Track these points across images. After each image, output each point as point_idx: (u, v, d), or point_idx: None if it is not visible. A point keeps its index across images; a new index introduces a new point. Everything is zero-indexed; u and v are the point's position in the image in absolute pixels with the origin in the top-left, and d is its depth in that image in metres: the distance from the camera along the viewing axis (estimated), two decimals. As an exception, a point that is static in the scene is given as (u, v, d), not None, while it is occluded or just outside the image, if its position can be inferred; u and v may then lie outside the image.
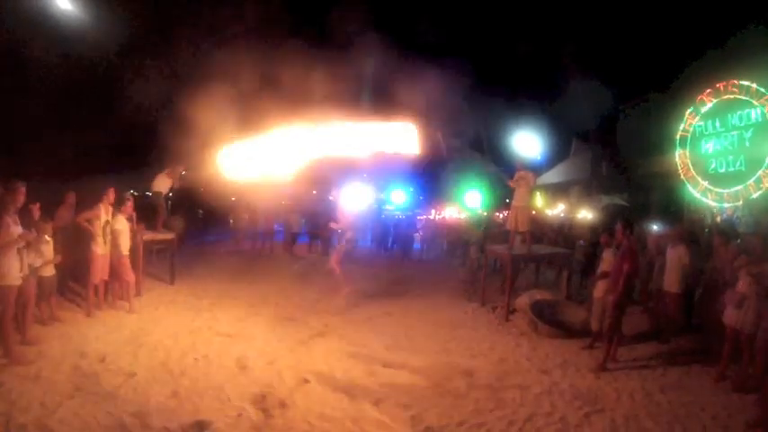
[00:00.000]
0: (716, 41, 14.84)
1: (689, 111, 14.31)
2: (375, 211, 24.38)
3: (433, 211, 27.68)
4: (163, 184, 10.50)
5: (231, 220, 24.66)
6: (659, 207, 17.13)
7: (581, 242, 11.46)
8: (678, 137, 14.60)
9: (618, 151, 21.03)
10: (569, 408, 4.97)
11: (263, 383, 5.23)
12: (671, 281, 7.32)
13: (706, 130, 13.84)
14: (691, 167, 14.22)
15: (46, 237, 6.42)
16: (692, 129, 14.26)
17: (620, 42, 21.06)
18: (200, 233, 21.03)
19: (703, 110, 13.87)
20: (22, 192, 5.37)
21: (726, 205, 13.00)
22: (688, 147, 14.35)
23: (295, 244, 18.09)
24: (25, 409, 4.18)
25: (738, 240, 7.78)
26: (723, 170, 13.22)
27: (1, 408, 4.14)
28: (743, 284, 5.67)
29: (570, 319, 8.13)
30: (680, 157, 14.55)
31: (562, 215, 20.88)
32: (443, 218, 25.03)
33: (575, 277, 10.53)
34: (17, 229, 5.29)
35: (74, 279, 8.43)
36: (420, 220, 25.87)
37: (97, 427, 4.03)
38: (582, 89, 20.65)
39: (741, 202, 12.37)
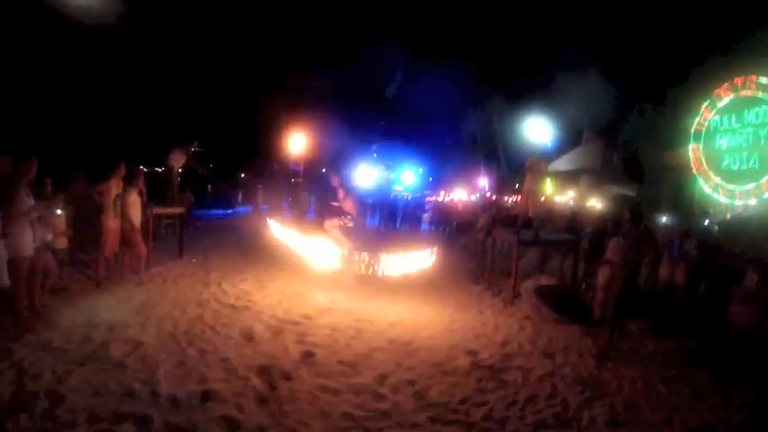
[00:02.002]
0: (737, 36, 14.59)
1: (705, 104, 14.11)
2: (384, 191, 24.45)
3: (442, 193, 27.64)
4: (176, 159, 10.57)
5: (239, 197, 24.83)
6: (669, 200, 17.05)
7: (588, 230, 11.44)
8: (693, 130, 14.42)
9: (630, 142, 20.88)
10: (570, 392, 5.02)
11: (268, 355, 5.31)
12: (676, 274, 7.33)
13: (721, 125, 13.64)
14: (703, 162, 14.06)
15: (57, 210, 6.49)
16: (707, 123, 14.07)
17: (638, 32, 20.79)
18: (209, 209, 21.10)
19: (720, 104, 13.66)
20: (34, 165, 5.47)
21: (737, 203, 12.86)
22: (702, 141, 14.18)
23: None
24: (37, 377, 4.25)
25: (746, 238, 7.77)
26: (736, 167, 13.07)
27: (13, 376, 4.20)
28: (750, 280, 5.64)
29: (574, 305, 8.16)
30: (693, 151, 14.39)
31: (571, 203, 20.80)
32: (452, 200, 24.99)
33: (580, 264, 10.54)
34: (29, 201, 5.38)
35: (85, 251, 8.53)
36: (429, 201, 25.89)
37: (107, 394, 4.11)
38: (597, 79, 20.50)
39: (754, 201, 12.25)
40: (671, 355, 6.34)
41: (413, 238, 14.91)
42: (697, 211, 13.45)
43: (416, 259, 9.21)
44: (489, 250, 11.03)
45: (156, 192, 10.09)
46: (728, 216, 12.79)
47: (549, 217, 12.23)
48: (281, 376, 4.80)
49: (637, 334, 7.12)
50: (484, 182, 27.97)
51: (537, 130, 10.34)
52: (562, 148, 24.14)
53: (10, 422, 3.49)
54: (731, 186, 13.11)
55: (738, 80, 13.08)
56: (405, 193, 27.21)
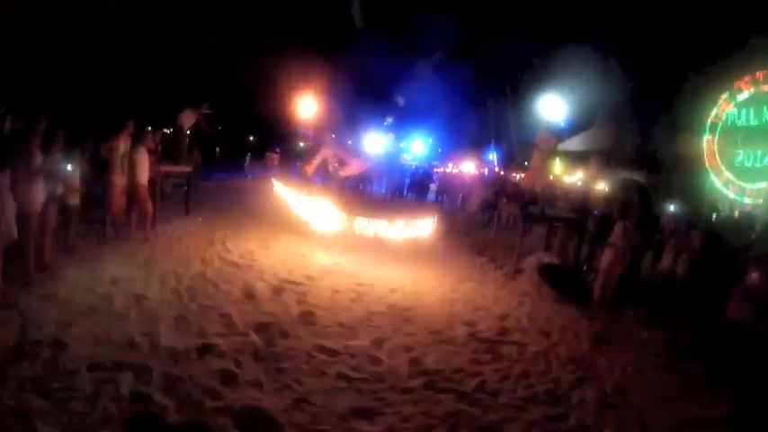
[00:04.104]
0: (763, 28, 14.13)
1: (724, 96, 13.75)
2: (392, 159, 24.38)
3: (450, 165, 27.56)
4: (187, 119, 10.56)
5: (248, 161, 24.84)
6: (678, 190, 16.84)
7: (595, 212, 11.39)
8: (709, 122, 14.10)
9: (644, 127, 20.58)
10: (563, 371, 5.07)
11: (268, 313, 5.40)
12: (678, 263, 7.28)
13: (739, 120, 13.32)
14: (717, 156, 13.79)
15: (69, 165, 6.47)
16: (724, 116, 13.73)
17: (663, 14, 20.18)
18: (216, 171, 21.10)
19: (739, 98, 13.31)
20: (44, 122, 5.51)
21: (746, 200, 12.65)
22: (717, 134, 13.87)
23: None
24: (41, 326, 4.29)
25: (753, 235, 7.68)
26: (749, 164, 12.81)
27: (17, 325, 4.24)
28: (752, 278, 5.58)
29: (574, 286, 8.17)
30: (707, 143, 14.11)
31: (579, 183, 20.70)
32: (460, 172, 24.90)
33: (584, 246, 10.53)
34: (39, 157, 5.41)
35: (92, 208, 8.55)
36: (437, 171, 25.83)
37: (108, 343, 4.18)
38: (615, 59, 20.13)
39: (761, 201, 12.04)
40: (665, 345, 6.31)
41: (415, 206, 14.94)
42: (706, 203, 13.27)
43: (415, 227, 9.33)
44: (494, 223, 11.07)
45: (165, 151, 10.12)
46: (736, 213, 12.59)
47: (559, 195, 12.17)
48: (280, 334, 4.88)
49: (633, 320, 7.13)
50: (493, 156, 27.82)
51: (550, 107, 10.21)
52: (574, 128, 23.88)
53: (13, 369, 3.55)
54: (742, 183, 12.90)
55: (760, 74, 12.74)
56: (413, 162, 27.22)
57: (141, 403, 3.40)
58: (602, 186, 17.04)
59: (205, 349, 4.31)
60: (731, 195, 13.24)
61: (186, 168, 10.59)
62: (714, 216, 11.80)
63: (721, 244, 7.33)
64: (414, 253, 9.50)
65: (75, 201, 6.79)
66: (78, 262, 6.33)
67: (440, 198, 21.41)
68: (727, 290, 6.02)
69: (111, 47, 15.24)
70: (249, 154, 25.99)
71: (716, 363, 5.71)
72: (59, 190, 6.18)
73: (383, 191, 21.58)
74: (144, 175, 8.07)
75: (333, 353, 4.65)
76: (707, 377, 5.49)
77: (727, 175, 13.41)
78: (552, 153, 9.40)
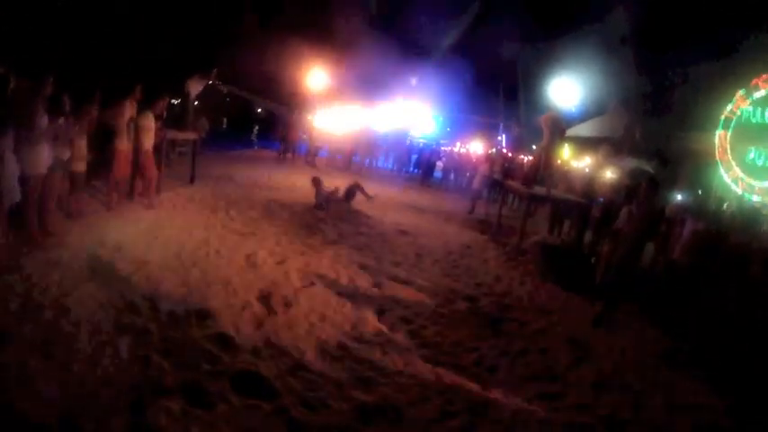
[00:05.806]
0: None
1: (740, 92, 13.57)
2: (400, 135, 24.31)
3: (458, 144, 27.47)
4: (194, 86, 10.47)
5: (254, 132, 24.80)
6: (686, 182, 16.69)
7: (601, 199, 11.33)
8: (723, 117, 13.93)
9: (656, 117, 20.36)
10: (561, 350, 5.06)
11: (269, 281, 5.41)
12: (682, 253, 7.24)
13: (753, 117, 13.18)
14: (728, 152, 13.65)
15: (77, 131, 6.40)
16: (739, 111, 13.57)
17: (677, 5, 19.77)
18: (223, 141, 21.02)
19: (756, 95, 13.14)
20: (50, 83, 5.43)
21: (754, 198, 12.54)
22: (731, 129, 13.73)
23: (317, 157, 18.19)
24: (43, 290, 4.28)
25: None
26: (761, 162, 12.70)
27: (20, 289, 4.23)
28: (754, 270, 5.53)
29: (576, 269, 8.14)
30: (720, 138, 13.96)
31: (587, 170, 20.57)
32: (467, 151, 24.83)
33: (588, 232, 10.47)
34: (44, 120, 5.37)
35: (97, 174, 8.52)
36: (444, 150, 25.81)
37: (110, 307, 4.18)
38: (631, 46, 19.83)
39: None
40: (665, 334, 6.25)
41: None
42: (713, 198, 13.16)
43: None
44: (499, 202, 11.05)
45: (171, 118, 10.07)
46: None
47: (565, 179, 12.09)
48: (281, 302, 4.90)
49: (633, 306, 7.09)
50: (502, 138, 27.70)
51: (562, 91, 10.07)
52: (585, 114, 23.64)
53: (16, 330, 3.56)
54: (752, 181, 12.78)
55: (780, 72, 12.55)
56: (420, 140, 27.19)
57: (140, 365, 3.42)
58: (609, 174, 16.96)
59: (205, 314, 4.33)
60: (739, 192, 13.11)
61: (192, 135, 10.53)
62: (724, 207, 11.69)
63: (724, 238, 7.29)
64: (418, 228, 9.49)
65: (81, 168, 6.75)
66: (82, 227, 6.30)
67: (447, 176, 21.39)
68: (728, 280, 6.00)
69: (119, 10, 15.10)
70: (257, 126, 25.92)
71: (715, 352, 5.72)
72: (66, 155, 6.14)
73: (390, 166, 21.58)
74: (149, 141, 7.99)
75: (333, 322, 4.68)
76: (705, 366, 5.49)
77: (737, 171, 13.28)
78: (561, 135, 9.27)
